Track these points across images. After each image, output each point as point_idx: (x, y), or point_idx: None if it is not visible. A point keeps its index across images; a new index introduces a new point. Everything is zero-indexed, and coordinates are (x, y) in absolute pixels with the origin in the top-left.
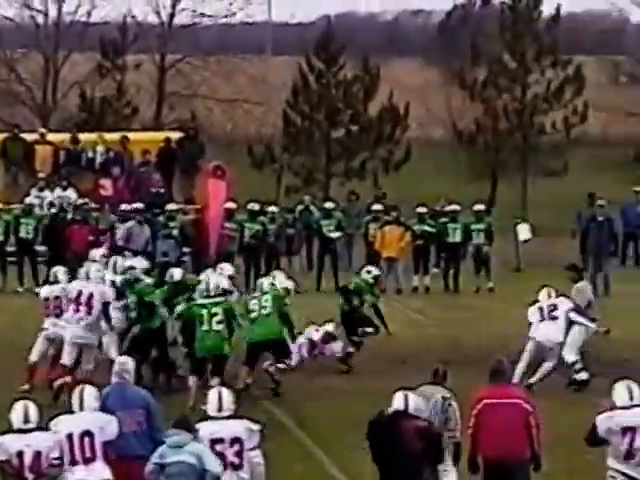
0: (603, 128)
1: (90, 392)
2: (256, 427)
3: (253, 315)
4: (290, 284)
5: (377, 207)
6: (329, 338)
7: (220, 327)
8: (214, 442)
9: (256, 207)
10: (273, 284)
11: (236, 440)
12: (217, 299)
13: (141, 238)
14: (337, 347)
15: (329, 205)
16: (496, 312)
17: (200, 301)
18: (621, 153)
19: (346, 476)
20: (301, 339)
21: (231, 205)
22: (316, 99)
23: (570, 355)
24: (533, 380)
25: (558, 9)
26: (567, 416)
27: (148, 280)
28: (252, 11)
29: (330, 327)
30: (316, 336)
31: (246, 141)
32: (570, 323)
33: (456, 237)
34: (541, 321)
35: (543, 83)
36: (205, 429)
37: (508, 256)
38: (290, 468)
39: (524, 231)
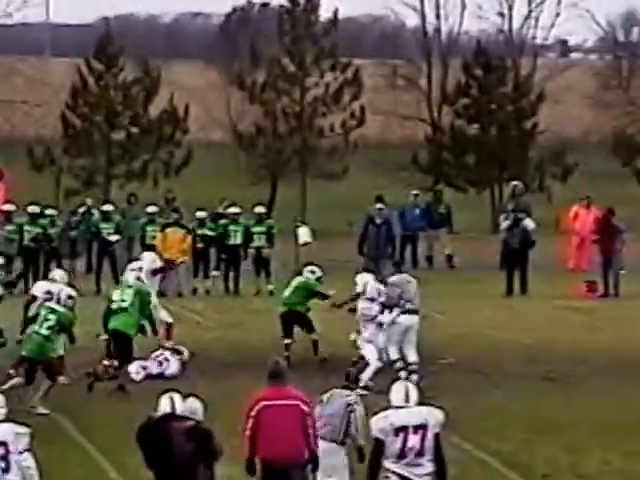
0: (381, 131)
1: None
2: (24, 430)
3: (113, 306)
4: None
5: (152, 209)
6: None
7: (47, 333)
8: None
9: (36, 210)
10: (139, 278)
11: (1, 443)
12: (57, 307)
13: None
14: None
15: (108, 208)
16: (276, 314)
17: (47, 303)
18: (399, 156)
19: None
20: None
21: (10, 207)
22: (95, 101)
23: (393, 353)
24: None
25: (336, 13)
26: None
27: None
28: (30, 12)
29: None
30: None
31: (25, 143)
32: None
33: (237, 239)
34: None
35: (322, 86)
36: None
37: (288, 259)
38: (69, 472)
39: (304, 234)
